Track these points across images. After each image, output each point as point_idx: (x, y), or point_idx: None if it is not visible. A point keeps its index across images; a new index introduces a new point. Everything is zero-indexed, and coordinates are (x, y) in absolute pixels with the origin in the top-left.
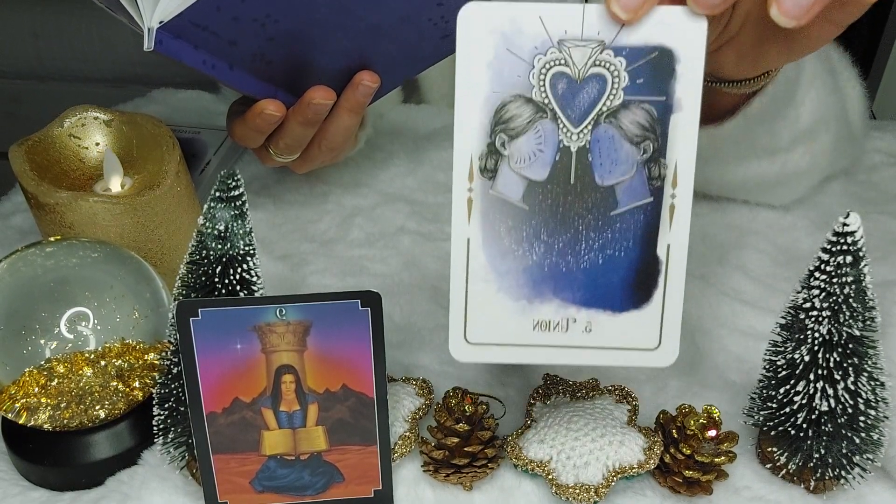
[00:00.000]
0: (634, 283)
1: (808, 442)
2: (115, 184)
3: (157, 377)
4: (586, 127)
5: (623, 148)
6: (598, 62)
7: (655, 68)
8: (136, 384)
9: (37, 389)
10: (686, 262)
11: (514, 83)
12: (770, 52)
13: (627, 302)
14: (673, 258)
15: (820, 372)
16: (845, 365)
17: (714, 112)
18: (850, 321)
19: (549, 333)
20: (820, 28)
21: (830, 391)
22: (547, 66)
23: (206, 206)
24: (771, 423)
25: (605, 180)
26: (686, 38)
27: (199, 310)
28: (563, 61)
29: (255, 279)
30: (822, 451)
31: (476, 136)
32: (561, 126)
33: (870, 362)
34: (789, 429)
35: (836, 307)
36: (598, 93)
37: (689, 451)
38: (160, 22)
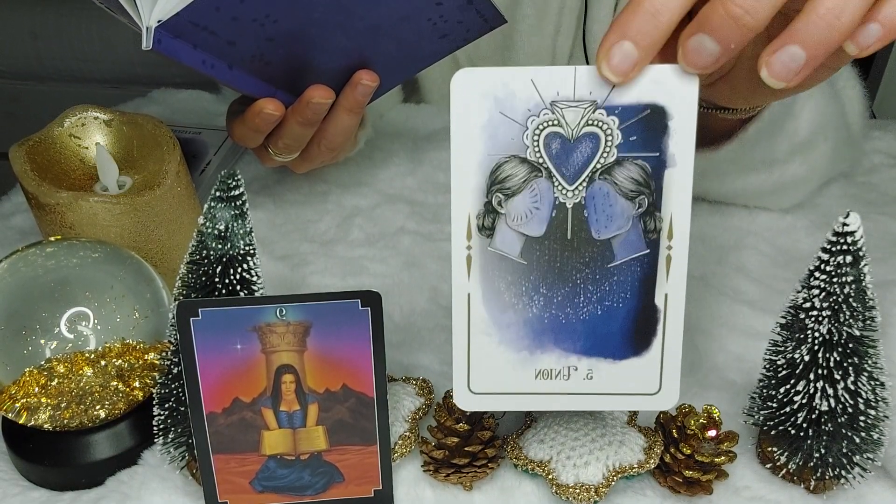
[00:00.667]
0: (633, 332)
1: (808, 441)
2: (112, 181)
3: (157, 377)
4: (581, 184)
5: (618, 203)
6: (590, 121)
7: (648, 125)
8: (137, 384)
9: (37, 389)
10: (684, 310)
11: (508, 144)
12: (763, 90)
13: (627, 350)
14: (671, 306)
15: (820, 372)
16: (845, 365)
17: (710, 134)
18: (850, 321)
19: (552, 381)
20: (813, 72)
21: (830, 391)
22: (540, 126)
23: (206, 206)
24: (771, 423)
25: (602, 234)
26: (678, 95)
27: (200, 310)
28: (556, 122)
29: (255, 279)
30: (822, 451)
31: (473, 197)
32: (556, 184)
33: (870, 362)
34: (789, 428)
35: (836, 307)
36: (591, 151)
37: (689, 451)
38: (158, 21)
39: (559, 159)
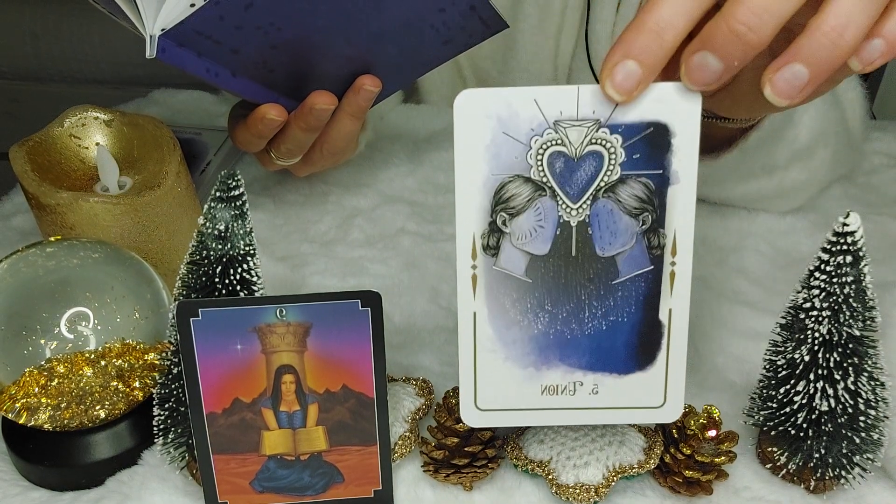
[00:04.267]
0: (638, 347)
1: (808, 442)
2: (112, 182)
3: (157, 377)
4: (585, 202)
5: (622, 220)
6: (594, 140)
7: (651, 143)
8: (137, 384)
9: (37, 389)
10: (688, 324)
11: (512, 164)
12: (765, 102)
13: (632, 364)
14: (675, 321)
15: (820, 372)
16: (845, 365)
17: (711, 142)
18: (850, 321)
19: (557, 397)
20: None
21: (830, 391)
22: (544, 146)
23: (206, 207)
24: (771, 423)
25: (606, 251)
26: (681, 112)
27: (200, 310)
28: (559, 141)
29: (255, 279)
30: (823, 451)
31: (477, 216)
32: (560, 202)
33: (870, 362)
34: (789, 429)
35: (836, 307)
36: (595, 169)
37: (689, 451)
38: (162, 30)
39: (563, 178)
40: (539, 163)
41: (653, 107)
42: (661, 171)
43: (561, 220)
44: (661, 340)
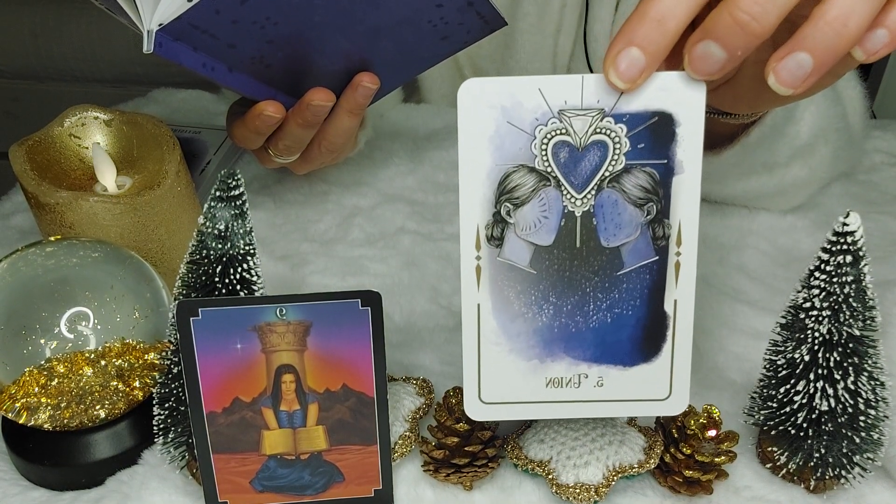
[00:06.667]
0: (643, 339)
1: (809, 441)
2: (110, 181)
3: (157, 377)
4: (590, 192)
5: (627, 210)
6: (598, 129)
7: (656, 133)
8: (137, 384)
9: (37, 389)
10: (693, 315)
11: (516, 154)
12: (767, 96)
13: (637, 356)
14: (680, 312)
15: (820, 371)
16: (845, 364)
17: (713, 138)
18: (850, 321)
19: (562, 389)
20: (819, 78)
21: (830, 391)
22: (548, 136)
23: (206, 206)
24: (771, 423)
25: (611, 242)
26: (685, 102)
27: (200, 309)
28: (564, 130)
29: (255, 279)
30: (823, 451)
31: (481, 207)
32: (564, 193)
33: (870, 362)
34: (789, 428)
35: (836, 307)
36: (599, 159)
37: (689, 451)
38: (160, 24)
39: (567, 168)
40: (543, 153)
41: (657, 96)
42: (665, 161)
43: (565, 211)
44: (667, 332)
